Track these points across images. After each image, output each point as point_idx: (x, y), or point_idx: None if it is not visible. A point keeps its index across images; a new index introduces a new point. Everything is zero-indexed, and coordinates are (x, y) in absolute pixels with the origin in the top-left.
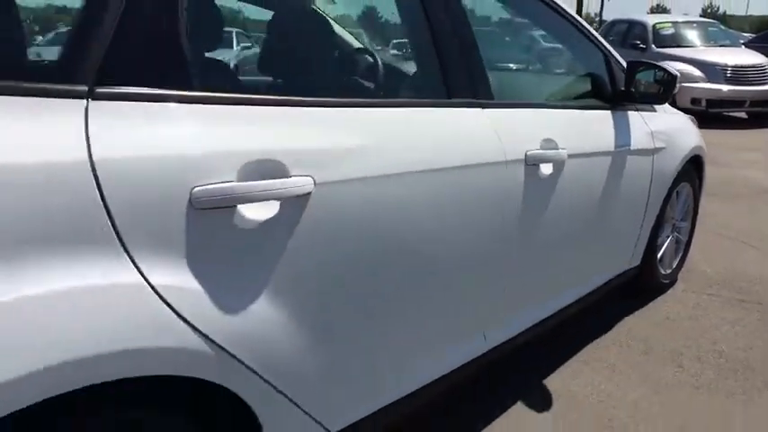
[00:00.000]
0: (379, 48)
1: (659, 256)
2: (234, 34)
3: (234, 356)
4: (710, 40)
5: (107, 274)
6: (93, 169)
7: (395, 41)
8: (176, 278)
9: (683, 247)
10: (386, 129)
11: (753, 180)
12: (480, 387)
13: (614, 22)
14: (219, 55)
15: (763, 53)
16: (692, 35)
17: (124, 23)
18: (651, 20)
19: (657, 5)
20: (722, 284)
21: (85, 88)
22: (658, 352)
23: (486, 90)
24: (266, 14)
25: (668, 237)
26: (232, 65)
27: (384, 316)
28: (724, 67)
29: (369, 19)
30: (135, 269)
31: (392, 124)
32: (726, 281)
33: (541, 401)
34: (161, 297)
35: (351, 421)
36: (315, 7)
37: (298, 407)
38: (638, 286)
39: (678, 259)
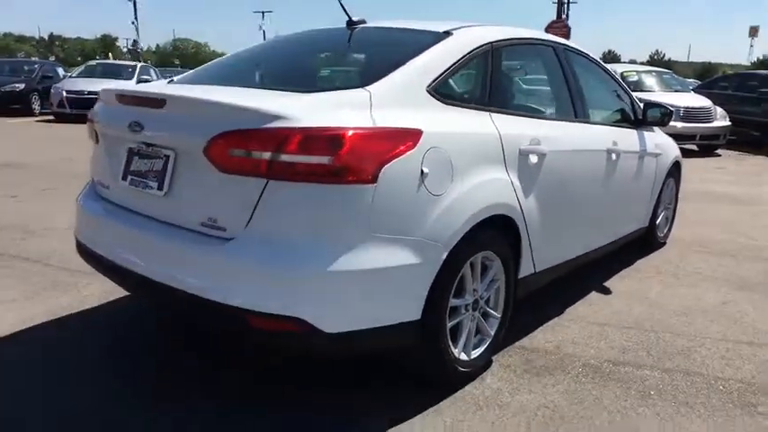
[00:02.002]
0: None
1: (657, 222)
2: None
3: (522, 211)
4: (666, 86)
5: (499, 175)
6: (500, 137)
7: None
8: (515, 178)
9: (670, 222)
10: (563, 131)
11: (710, 191)
12: (562, 285)
13: None
14: None
15: (708, 97)
16: (651, 82)
17: (493, 83)
18: (618, 68)
19: (609, 51)
20: (696, 245)
21: (488, 107)
22: (664, 273)
23: (588, 116)
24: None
25: (662, 212)
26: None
27: (568, 210)
28: (678, 108)
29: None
30: (506, 173)
31: (565, 129)
32: (698, 243)
33: (604, 291)
34: (512, 184)
35: (543, 268)
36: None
37: (530, 247)
38: (646, 241)
39: (667, 229)
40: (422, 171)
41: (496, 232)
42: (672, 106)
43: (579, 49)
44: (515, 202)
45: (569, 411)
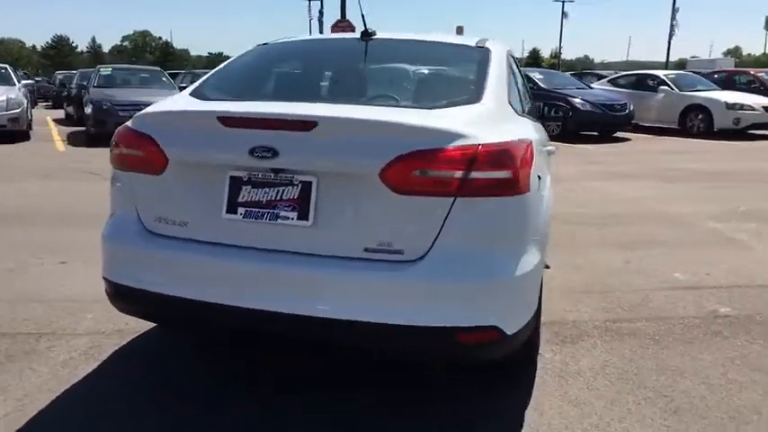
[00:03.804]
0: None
1: None
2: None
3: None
4: None
5: (547, 175)
6: (540, 141)
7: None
8: (547, 177)
9: None
10: (539, 131)
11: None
12: None
13: None
14: None
15: None
16: None
17: (519, 92)
18: None
19: None
20: (559, 220)
21: (523, 114)
22: (565, 245)
23: (534, 115)
24: None
25: None
26: None
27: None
28: None
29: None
30: (546, 173)
31: (537, 128)
32: (559, 218)
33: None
34: (547, 183)
35: None
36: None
37: None
38: None
39: None
40: (538, 176)
41: None
42: None
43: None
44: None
45: (624, 365)
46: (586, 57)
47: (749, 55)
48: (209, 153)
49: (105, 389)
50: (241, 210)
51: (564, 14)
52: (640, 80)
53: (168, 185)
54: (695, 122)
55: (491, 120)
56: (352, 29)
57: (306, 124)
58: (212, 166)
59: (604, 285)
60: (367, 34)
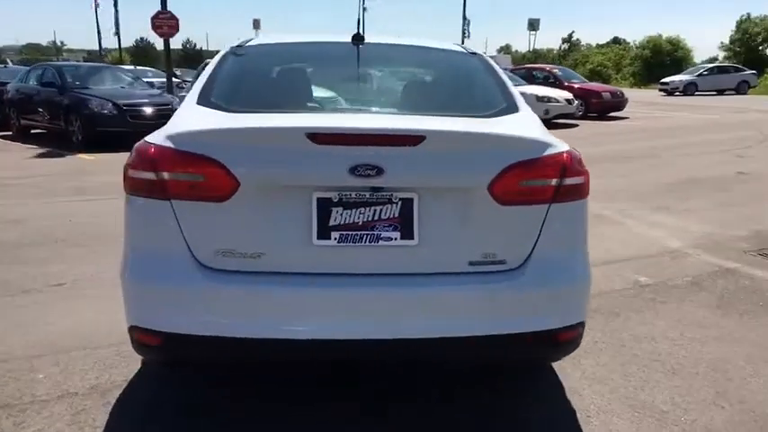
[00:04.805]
0: None
1: None
2: None
3: None
4: None
5: None
6: None
7: None
8: None
9: None
10: None
11: None
12: None
13: None
14: None
15: None
16: None
17: None
18: None
19: (188, 40)
20: None
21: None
22: None
23: None
24: None
25: None
26: None
27: None
28: None
29: None
30: None
31: None
32: None
33: None
34: None
35: None
36: None
37: None
38: None
39: None
40: None
41: None
42: None
43: None
44: None
45: (608, 339)
46: None
47: (516, 52)
48: (294, 174)
49: None
50: (335, 234)
51: (364, 9)
52: None
53: (236, 213)
54: None
55: (543, 127)
56: (176, 21)
57: (413, 139)
58: (295, 188)
59: None
60: (359, 38)
